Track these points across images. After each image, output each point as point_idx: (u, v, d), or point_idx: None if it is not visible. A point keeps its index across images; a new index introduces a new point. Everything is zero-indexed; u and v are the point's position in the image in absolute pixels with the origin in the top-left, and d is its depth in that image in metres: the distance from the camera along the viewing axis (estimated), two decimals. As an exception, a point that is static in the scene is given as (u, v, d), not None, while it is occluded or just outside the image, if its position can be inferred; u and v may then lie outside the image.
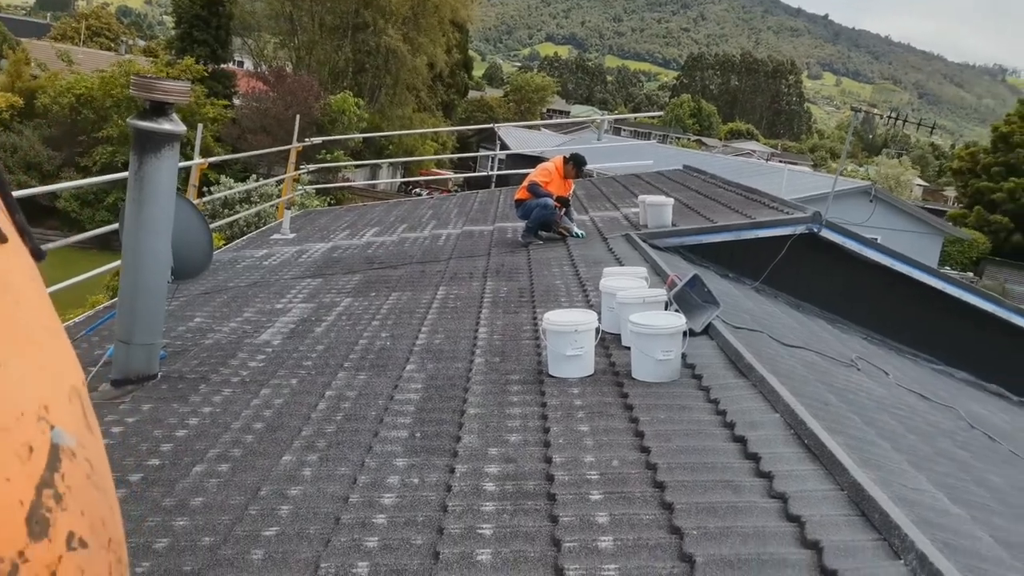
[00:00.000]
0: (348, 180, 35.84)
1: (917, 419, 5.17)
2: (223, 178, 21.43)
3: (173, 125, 4.84)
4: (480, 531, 2.92)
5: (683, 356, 4.59)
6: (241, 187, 17.94)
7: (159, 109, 4.77)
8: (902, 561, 2.45)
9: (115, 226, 6.44)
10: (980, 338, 9.36)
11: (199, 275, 5.75)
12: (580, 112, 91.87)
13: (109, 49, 51.51)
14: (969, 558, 2.59)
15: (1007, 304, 9.40)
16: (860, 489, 2.83)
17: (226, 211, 17.40)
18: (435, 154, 40.73)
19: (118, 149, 29.98)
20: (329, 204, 21.31)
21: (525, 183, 9.37)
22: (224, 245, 12.04)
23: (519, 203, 9.43)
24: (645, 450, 3.53)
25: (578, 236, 9.20)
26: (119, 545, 0.63)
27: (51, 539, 0.53)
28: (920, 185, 69.87)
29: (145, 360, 5.07)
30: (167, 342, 5.87)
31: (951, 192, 61.45)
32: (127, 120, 5.14)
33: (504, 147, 33.44)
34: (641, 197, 9.71)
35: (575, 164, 9.42)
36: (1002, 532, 3.21)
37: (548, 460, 3.51)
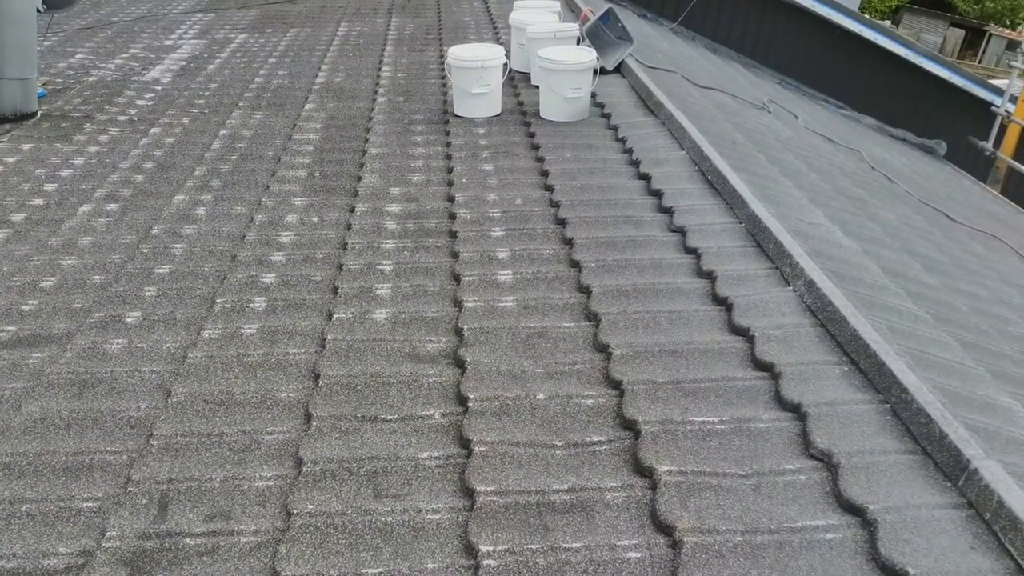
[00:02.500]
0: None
1: (821, 160, 5.23)
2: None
3: None
4: (380, 267, 2.89)
5: (593, 95, 4.46)
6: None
7: None
8: (791, 288, 2.51)
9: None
10: (890, 83, 9.41)
11: (74, 4, 5.23)
12: None
13: None
14: (855, 285, 2.68)
15: (916, 47, 9.39)
16: (757, 221, 2.86)
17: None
18: None
19: None
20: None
21: None
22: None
23: None
24: (549, 188, 3.49)
25: None
26: None
27: None
28: (849, -72, 67.52)
29: (21, 96, 4.70)
30: (46, 79, 5.45)
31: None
32: None
33: None
34: (559, -72, 9.07)
35: None
36: (889, 263, 3.34)
37: (450, 199, 3.45)
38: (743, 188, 3.10)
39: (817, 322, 2.33)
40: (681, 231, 2.98)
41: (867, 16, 11.26)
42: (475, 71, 4.36)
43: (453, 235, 3.12)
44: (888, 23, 37.06)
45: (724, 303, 2.48)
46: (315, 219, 3.34)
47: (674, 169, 3.52)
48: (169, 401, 2.15)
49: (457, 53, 4.44)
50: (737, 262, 2.70)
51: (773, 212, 3.01)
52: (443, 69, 5.28)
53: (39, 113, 4.77)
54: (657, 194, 3.31)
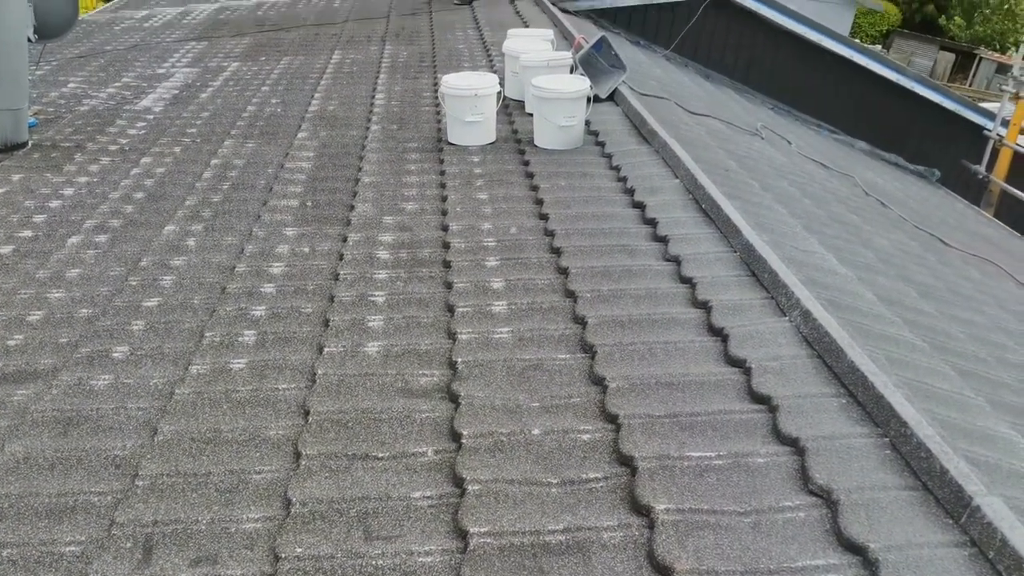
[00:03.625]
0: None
1: (815, 186, 5.23)
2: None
3: None
4: (372, 298, 2.86)
5: (587, 123, 4.45)
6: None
7: None
8: (787, 318, 2.49)
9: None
10: (882, 108, 9.44)
11: (66, 33, 5.21)
12: None
13: None
14: (851, 314, 2.66)
15: (908, 71, 9.43)
16: (752, 250, 2.84)
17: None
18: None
19: None
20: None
21: None
22: (101, 7, 11.03)
23: None
24: (544, 217, 3.46)
25: None
26: None
27: None
28: (838, -46, 68.24)
29: (12, 126, 4.68)
30: (38, 108, 5.44)
31: (868, -38, 60.27)
32: None
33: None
34: (551, -44, 9.13)
35: None
36: (884, 290, 3.32)
37: (444, 228, 3.42)
38: (737, 217, 3.08)
39: (814, 353, 2.30)
40: (676, 260, 2.95)
41: (857, 41, 11.32)
42: (469, 99, 4.35)
43: (447, 265, 3.09)
44: (879, 47, 37.37)
45: (720, 334, 2.45)
46: (307, 249, 3.32)
47: (668, 198, 3.50)
48: (155, 439, 2.11)
49: (451, 81, 4.43)
50: (732, 292, 2.68)
51: (767, 240, 2.99)
52: (437, 97, 5.28)
53: (30, 143, 4.74)
54: (652, 223, 3.29)
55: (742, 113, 7.22)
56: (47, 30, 5.11)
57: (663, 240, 3.12)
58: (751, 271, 2.81)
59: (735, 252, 2.95)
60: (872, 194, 6.00)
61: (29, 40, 4.78)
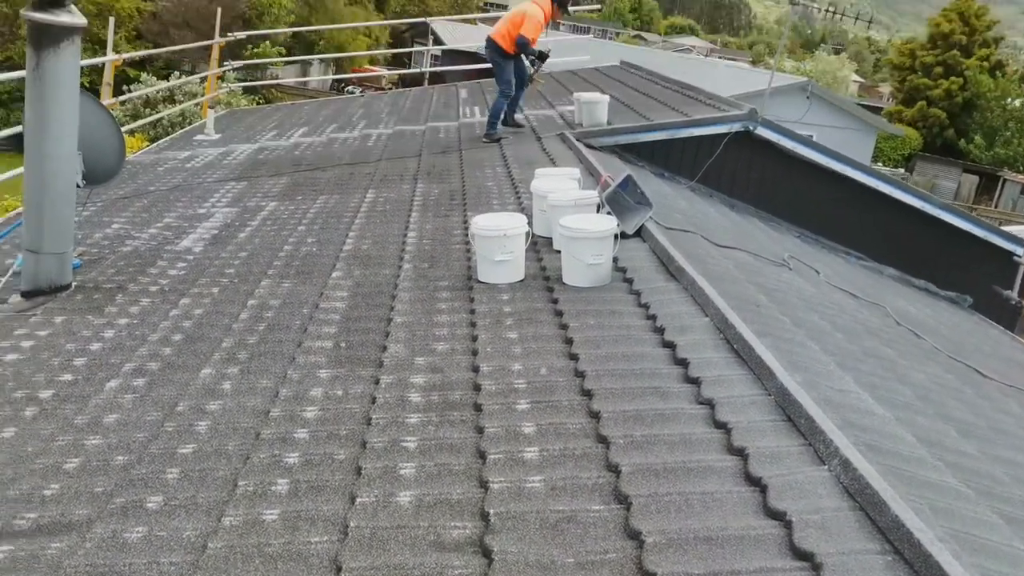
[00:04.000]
0: (277, 78, 34.54)
1: (846, 317, 5.22)
2: (144, 75, 20.38)
3: (72, 17, 4.48)
4: (404, 444, 2.85)
5: (615, 259, 4.52)
6: (163, 85, 17.09)
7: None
8: (826, 467, 2.45)
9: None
10: (909, 234, 9.51)
11: (112, 179, 5.45)
12: (518, 5, 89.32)
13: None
14: (892, 459, 2.61)
15: (934, 200, 9.53)
16: (787, 394, 2.82)
17: (148, 111, 16.61)
18: (367, 50, 39.27)
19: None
20: (258, 103, 20.52)
21: (512, 31, 8.76)
22: (146, 147, 11.53)
23: (496, 50, 8.90)
24: (574, 357, 3.48)
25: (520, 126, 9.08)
26: None
27: None
28: (857, 81, 70.09)
29: (56, 269, 4.82)
30: (82, 250, 5.61)
31: (886, 88, 61.85)
32: (21, 12, 4.76)
33: (438, 42, 32.36)
34: (576, 95, 9.49)
35: (560, 4, 9.07)
36: (923, 431, 3.27)
37: (475, 369, 3.44)
38: (770, 358, 3.08)
39: (856, 505, 2.25)
40: (709, 404, 2.94)
41: (880, 167, 11.50)
42: (498, 239, 4.45)
43: (478, 408, 3.10)
44: (902, 170, 37.87)
45: (758, 484, 2.41)
46: (340, 392, 3.34)
47: (699, 337, 3.51)
48: (187, 598, 2.09)
49: (481, 222, 4.55)
50: (768, 438, 2.65)
51: (801, 381, 2.98)
52: (467, 234, 5.40)
53: (73, 285, 4.88)
54: (683, 363, 3.29)
55: (769, 243, 7.30)
56: (95, 176, 5.34)
57: (695, 382, 3.12)
58: (787, 415, 2.78)
59: (769, 395, 2.93)
60: (904, 324, 5.97)
61: (77, 186, 4.99)
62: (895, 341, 5.16)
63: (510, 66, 8.92)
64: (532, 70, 9.11)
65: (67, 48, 4.50)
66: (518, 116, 9.43)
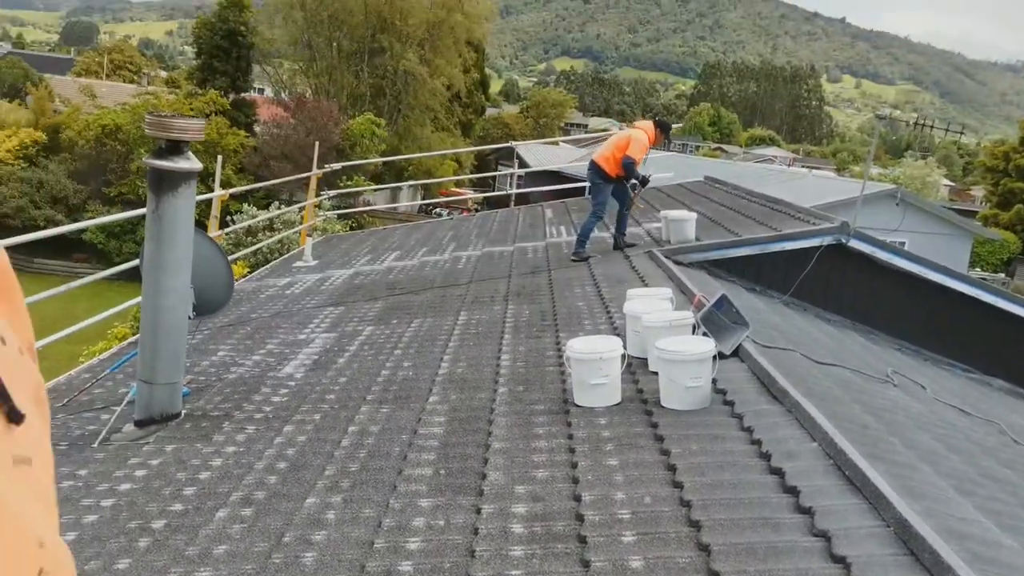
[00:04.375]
0: (369, 203, 35.97)
1: (959, 436, 5.00)
2: (245, 206, 21.50)
3: (189, 163, 4.81)
4: (510, 578, 2.82)
5: (713, 381, 4.47)
6: (263, 215, 17.97)
7: (174, 147, 4.74)
8: (956, 606, 2.32)
9: (137, 262, 6.43)
10: (1016, 343, 9.13)
11: (220, 310, 5.71)
12: (598, 125, 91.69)
13: (131, 82, 52.03)
14: (1026, 597, 2.46)
15: (1042, 308, 9.16)
16: (907, 526, 2.70)
17: (249, 239, 17.43)
18: (454, 174, 40.70)
19: (144, 181, 30.09)
20: (351, 228, 21.33)
21: (616, 154, 8.97)
22: (248, 274, 12.04)
23: (598, 172, 9.10)
24: (678, 485, 3.41)
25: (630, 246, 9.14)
26: None
27: None
28: (947, 185, 68.88)
29: (168, 399, 5.02)
30: (191, 378, 5.83)
31: (978, 191, 60.55)
32: (142, 159, 5.13)
33: (523, 164, 33.40)
34: (663, 212, 9.59)
35: (663, 130, 9.30)
36: (1057, 563, 3.06)
37: (577, 498, 3.40)
38: (885, 486, 2.96)
39: (994, 650, 2.11)
40: (825, 536, 2.82)
41: (979, 273, 11.16)
42: (594, 363, 4.46)
43: (582, 540, 3.05)
44: (1002, 275, 36.65)
45: (883, 624, 2.29)
46: (441, 522, 3.34)
47: (807, 463, 3.41)
48: None
49: (575, 346, 4.57)
50: (892, 575, 2.52)
51: (920, 510, 2.85)
52: (560, 356, 5.42)
53: (183, 413, 5.06)
54: (793, 492, 3.19)
55: (868, 357, 7.10)
56: (205, 307, 5.61)
57: (808, 512, 3.01)
58: (909, 549, 2.66)
59: (888, 527, 2.81)
60: (1021, 442, 5.67)
61: (188, 318, 5.24)
62: (1014, 461, 4.90)
63: (608, 189, 9.11)
64: (633, 193, 9.27)
65: (184, 191, 4.82)
66: (627, 236, 9.46)
